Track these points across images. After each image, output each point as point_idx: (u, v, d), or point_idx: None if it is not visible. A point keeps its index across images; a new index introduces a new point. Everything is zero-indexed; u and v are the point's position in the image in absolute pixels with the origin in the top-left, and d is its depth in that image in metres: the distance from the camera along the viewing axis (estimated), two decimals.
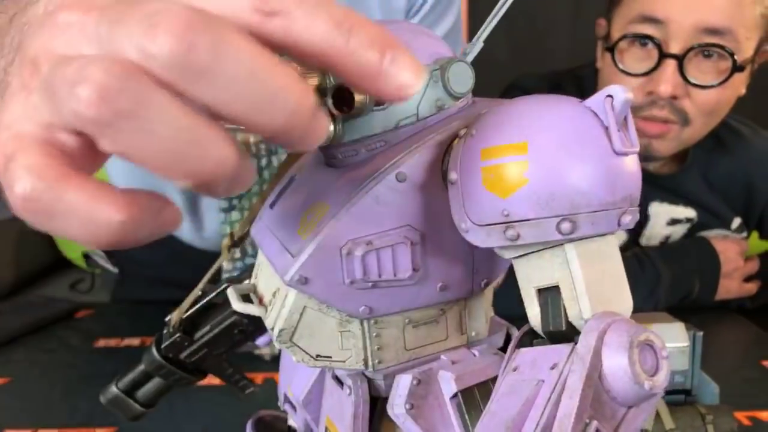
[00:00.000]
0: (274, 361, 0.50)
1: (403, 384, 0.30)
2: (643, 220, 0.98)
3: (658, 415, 0.53)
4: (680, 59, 0.79)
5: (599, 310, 0.24)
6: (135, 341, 0.89)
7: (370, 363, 0.31)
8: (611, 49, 0.85)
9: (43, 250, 1.99)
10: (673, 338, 0.55)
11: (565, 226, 0.23)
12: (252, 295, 0.35)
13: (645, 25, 0.81)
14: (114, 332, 0.91)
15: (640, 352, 0.22)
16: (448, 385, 0.30)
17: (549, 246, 0.25)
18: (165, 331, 0.46)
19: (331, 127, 0.29)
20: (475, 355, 0.32)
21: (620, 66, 0.83)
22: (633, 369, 0.22)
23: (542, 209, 0.24)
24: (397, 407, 0.30)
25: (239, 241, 0.44)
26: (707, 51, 0.79)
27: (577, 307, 0.24)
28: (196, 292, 0.45)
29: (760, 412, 0.69)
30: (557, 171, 0.23)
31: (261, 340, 0.47)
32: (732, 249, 0.94)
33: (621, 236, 0.99)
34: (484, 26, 0.31)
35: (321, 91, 0.28)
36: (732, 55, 0.78)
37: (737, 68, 0.78)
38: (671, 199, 0.97)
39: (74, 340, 0.90)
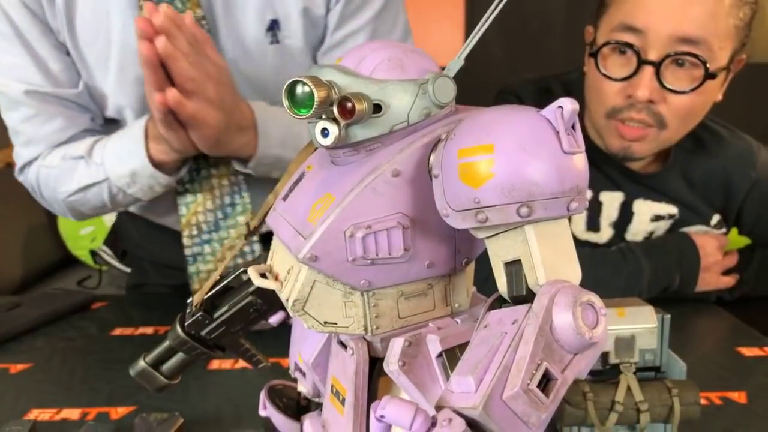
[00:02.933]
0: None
1: (396, 345, 0.36)
2: (628, 216, 1.03)
3: (629, 388, 0.59)
4: (657, 66, 0.85)
5: (552, 278, 0.30)
6: (149, 330, 0.94)
7: (369, 329, 0.37)
8: (594, 54, 0.91)
9: (50, 248, 2.04)
10: (643, 320, 0.60)
11: (523, 210, 0.29)
12: (268, 274, 0.41)
13: (626, 33, 0.87)
14: (129, 322, 0.97)
15: (583, 310, 0.28)
16: (434, 345, 0.36)
17: (512, 227, 0.31)
18: (188, 311, 0.52)
19: (337, 131, 0.35)
20: (457, 323, 0.38)
21: (602, 71, 0.89)
22: (576, 323, 0.28)
23: (505, 197, 0.30)
24: (391, 364, 0.36)
25: (254, 231, 0.50)
26: (681, 60, 0.85)
27: (534, 276, 0.30)
28: (216, 275, 0.51)
29: (730, 392, 0.75)
30: (517, 167, 0.29)
31: (273, 319, 0.53)
32: (711, 244, 1.00)
33: (608, 232, 1.05)
34: (464, 46, 0.36)
35: (327, 101, 0.34)
36: (705, 63, 0.84)
37: (709, 75, 0.84)
38: (654, 196, 1.03)
39: (92, 329, 0.95)
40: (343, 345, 0.39)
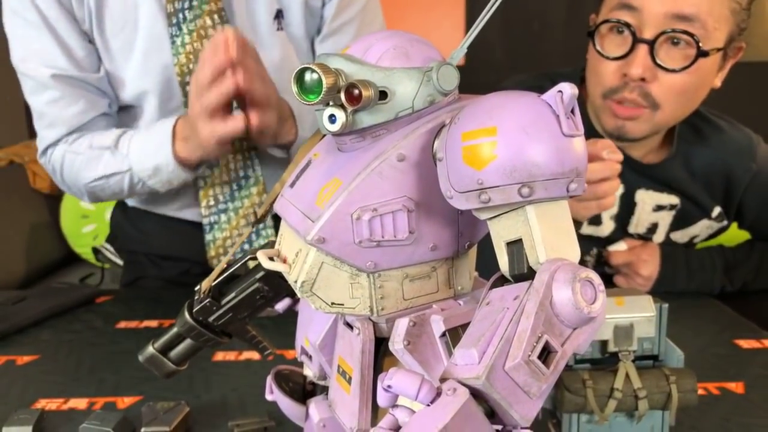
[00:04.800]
0: None
1: (401, 325, 0.37)
2: (631, 206, 1.05)
3: (627, 376, 0.60)
4: (651, 44, 0.86)
5: (552, 256, 0.31)
6: (153, 323, 0.96)
7: (375, 309, 0.38)
8: (592, 34, 0.92)
9: (53, 245, 2.05)
10: (641, 309, 0.61)
11: (525, 190, 0.30)
12: (276, 258, 0.42)
13: (623, 11, 0.88)
14: (133, 315, 0.98)
15: (582, 286, 0.29)
16: (437, 325, 0.37)
17: (513, 208, 0.32)
18: (196, 298, 0.53)
19: (344, 117, 0.36)
20: (460, 305, 0.39)
21: (598, 49, 0.91)
22: (575, 298, 0.29)
23: (507, 178, 0.31)
24: (396, 344, 0.37)
25: (262, 218, 0.51)
26: (676, 38, 0.86)
27: (535, 254, 0.31)
28: (223, 263, 0.52)
29: (728, 383, 0.76)
30: (519, 148, 0.31)
31: (279, 306, 0.54)
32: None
33: (609, 225, 1.06)
34: (467, 35, 0.38)
35: (335, 87, 0.35)
36: (697, 42, 0.85)
37: (701, 53, 0.85)
38: (656, 186, 1.04)
39: (97, 323, 0.96)
40: (350, 326, 0.40)
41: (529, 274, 0.31)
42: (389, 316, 0.39)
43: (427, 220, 0.37)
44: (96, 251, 2.01)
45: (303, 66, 0.35)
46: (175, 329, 0.55)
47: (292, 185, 0.43)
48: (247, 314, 0.54)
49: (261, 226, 0.97)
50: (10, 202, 1.95)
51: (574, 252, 0.32)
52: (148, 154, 0.91)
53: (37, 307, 0.97)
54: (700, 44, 0.85)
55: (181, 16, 0.87)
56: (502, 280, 0.34)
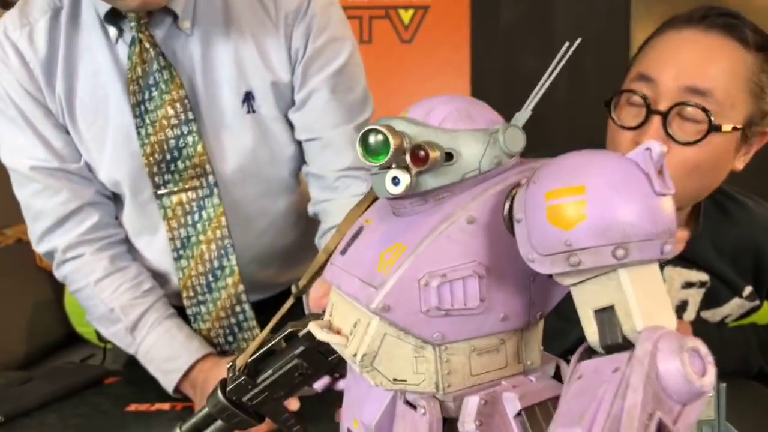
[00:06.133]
0: None
1: (471, 404, 0.34)
2: None
3: None
4: (665, 115, 0.86)
5: (649, 324, 0.28)
6: (165, 406, 0.90)
7: (440, 386, 0.35)
8: (608, 103, 0.92)
9: (55, 324, 2.01)
10: None
11: (620, 252, 0.28)
12: (326, 330, 0.39)
13: (639, 82, 0.89)
14: (144, 398, 0.93)
15: (689, 356, 0.27)
16: (512, 404, 0.34)
17: (603, 272, 0.30)
18: (229, 375, 0.50)
19: (408, 180, 0.34)
20: (532, 381, 0.36)
21: (615, 119, 0.91)
22: (685, 369, 0.26)
23: (599, 239, 0.29)
24: (467, 424, 0.34)
25: (303, 290, 0.49)
26: (689, 115, 0.85)
27: (631, 322, 0.29)
28: (262, 336, 0.49)
29: None
30: (611, 207, 0.29)
31: (318, 384, 0.50)
32: None
33: None
34: (531, 96, 0.37)
35: (401, 148, 0.34)
36: (708, 115, 0.84)
37: (713, 128, 0.85)
38: (684, 264, 1.01)
39: (105, 405, 0.91)
40: (411, 405, 0.36)
41: (625, 345, 0.29)
42: (456, 393, 0.35)
43: (498, 288, 0.35)
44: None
45: (368, 128, 0.34)
46: (205, 410, 0.51)
47: (343, 252, 0.41)
48: (283, 393, 0.50)
49: (242, 317, 0.95)
50: (15, 281, 1.92)
51: (671, 319, 0.29)
52: (155, 362, 0.91)
53: (44, 389, 0.93)
54: (712, 118, 0.86)
55: (143, 107, 0.87)
56: (590, 353, 0.31)
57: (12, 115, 0.89)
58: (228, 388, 0.49)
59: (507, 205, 0.34)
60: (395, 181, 0.35)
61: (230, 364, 0.51)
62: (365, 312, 0.36)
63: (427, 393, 0.35)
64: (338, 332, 0.38)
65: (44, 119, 0.89)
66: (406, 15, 2.47)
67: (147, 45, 0.84)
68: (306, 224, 1.03)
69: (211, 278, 0.94)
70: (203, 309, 0.95)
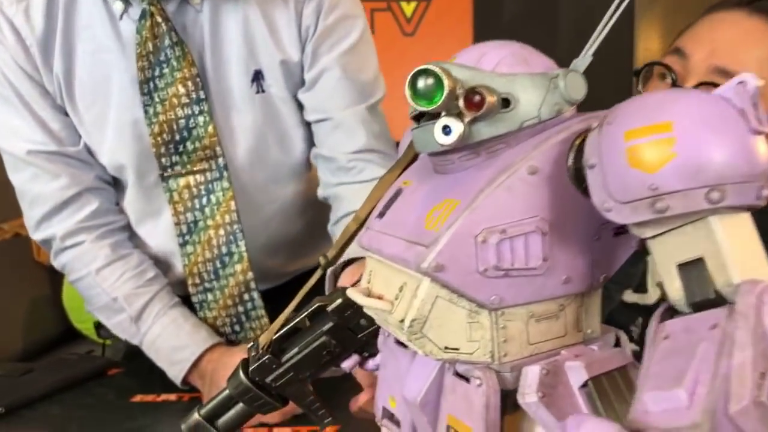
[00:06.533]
0: None
1: (532, 374, 0.31)
2: None
3: None
4: None
5: (747, 277, 0.25)
6: (172, 396, 0.87)
7: (496, 355, 0.32)
8: (638, 73, 0.89)
9: (52, 320, 1.97)
10: None
11: (714, 195, 0.25)
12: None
13: (673, 56, 0.85)
14: (149, 389, 0.90)
15: None
16: (577, 373, 0.31)
17: (690, 221, 0.27)
18: (252, 355, 0.47)
19: (461, 128, 0.31)
20: (594, 350, 0.33)
21: (639, 90, 0.87)
22: None
23: (690, 180, 0.26)
24: (528, 396, 0.30)
25: (332, 261, 0.45)
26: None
27: (726, 275, 0.26)
28: (286, 313, 0.46)
29: None
30: (703, 146, 0.26)
31: (346, 363, 0.47)
32: None
33: (655, 293, 1.00)
34: (591, 41, 0.34)
35: (456, 91, 0.31)
36: None
37: None
38: None
39: (110, 396, 0.88)
40: (462, 377, 0.33)
41: (718, 300, 0.26)
42: (513, 363, 0.32)
43: (561, 247, 0.31)
44: (98, 326, 1.92)
45: (418, 69, 0.31)
46: (225, 392, 0.48)
47: (381, 216, 0.38)
48: (309, 374, 0.47)
49: (250, 306, 0.92)
50: (12, 275, 1.89)
51: (767, 273, 0.26)
52: (162, 350, 0.87)
53: (46, 380, 0.90)
54: None
55: (152, 84, 0.83)
56: (671, 312, 0.28)
57: (7, 95, 0.85)
58: (251, 368, 0.46)
59: (572, 156, 0.31)
60: (446, 130, 0.31)
61: (251, 343, 0.48)
62: (413, 274, 0.32)
63: (482, 363, 0.32)
64: (380, 298, 0.35)
65: (41, 100, 0.85)
66: (408, 8, 2.44)
67: (159, 19, 0.80)
68: (315, 212, 1.00)
69: (218, 264, 0.90)
70: (210, 297, 0.91)
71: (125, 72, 0.84)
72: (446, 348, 0.32)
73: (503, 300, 0.31)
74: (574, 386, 0.31)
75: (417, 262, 0.31)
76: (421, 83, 0.31)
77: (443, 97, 0.30)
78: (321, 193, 0.92)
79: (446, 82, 0.30)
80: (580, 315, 0.34)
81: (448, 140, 0.31)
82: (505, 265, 0.30)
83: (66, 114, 0.87)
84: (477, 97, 0.31)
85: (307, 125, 0.91)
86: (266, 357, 0.45)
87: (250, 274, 0.90)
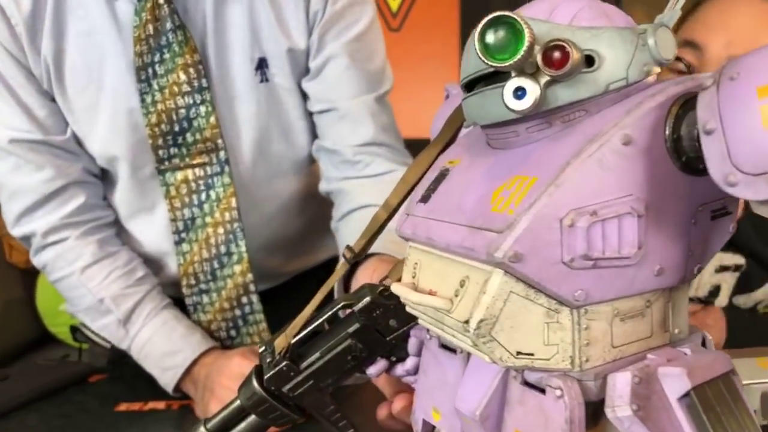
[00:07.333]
0: None
1: (622, 383, 0.26)
2: None
3: None
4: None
5: None
6: (160, 405, 0.81)
7: (577, 361, 0.27)
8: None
9: (26, 324, 1.89)
10: None
11: None
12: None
13: (685, 49, 0.82)
14: (135, 396, 0.84)
15: None
16: (678, 382, 0.26)
17: None
18: (267, 361, 0.41)
19: (538, 91, 0.26)
20: (686, 354, 0.28)
21: None
22: None
23: None
24: (620, 409, 0.26)
25: (360, 253, 0.40)
26: None
27: None
28: (305, 315, 0.41)
29: None
30: None
31: (372, 369, 0.42)
32: None
33: None
34: None
35: (534, 46, 0.26)
36: None
37: None
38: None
39: (92, 405, 0.82)
40: (534, 387, 0.28)
41: None
42: (595, 370, 0.27)
43: (656, 232, 0.27)
44: (74, 330, 1.84)
45: (489, 18, 0.26)
46: (236, 403, 0.42)
47: (424, 200, 0.33)
48: (331, 381, 0.41)
49: (248, 309, 0.86)
50: None
51: None
52: (152, 355, 0.81)
53: (22, 387, 0.83)
54: None
55: (151, 70, 0.77)
56: None
57: None
58: (266, 377, 0.40)
59: (670, 124, 0.26)
60: (519, 93, 0.26)
61: (263, 348, 0.43)
62: (479, 266, 0.27)
63: (559, 370, 0.27)
64: (432, 295, 0.30)
65: (27, 84, 0.78)
66: (394, 3, 2.39)
67: (160, 0, 0.74)
68: (316, 208, 0.94)
69: (216, 265, 0.84)
70: (205, 299, 0.86)
71: (121, 56, 0.77)
72: (518, 353, 0.27)
73: (589, 296, 0.26)
74: (671, 397, 0.26)
75: (488, 251, 0.26)
76: (490, 38, 0.26)
77: (522, 51, 0.25)
78: (324, 187, 0.86)
79: (526, 33, 0.25)
80: (667, 312, 0.29)
81: (521, 105, 0.26)
82: (595, 254, 0.25)
83: (53, 100, 0.80)
84: (557, 53, 0.26)
85: (311, 116, 0.86)
86: (284, 364, 0.40)
87: (249, 276, 0.84)
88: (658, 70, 0.28)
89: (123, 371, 0.95)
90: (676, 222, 0.27)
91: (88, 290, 0.82)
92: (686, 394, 0.26)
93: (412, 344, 0.40)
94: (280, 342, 0.40)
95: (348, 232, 0.78)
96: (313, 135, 0.87)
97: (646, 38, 0.28)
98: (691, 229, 0.28)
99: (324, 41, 0.82)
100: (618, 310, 0.28)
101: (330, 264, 1.00)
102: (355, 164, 0.82)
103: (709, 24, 0.81)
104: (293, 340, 0.40)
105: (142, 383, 0.87)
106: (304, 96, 0.85)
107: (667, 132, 0.26)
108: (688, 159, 0.26)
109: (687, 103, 0.26)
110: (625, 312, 0.28)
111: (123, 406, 0.81)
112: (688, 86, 0.27)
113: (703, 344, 0.31)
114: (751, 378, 0.51)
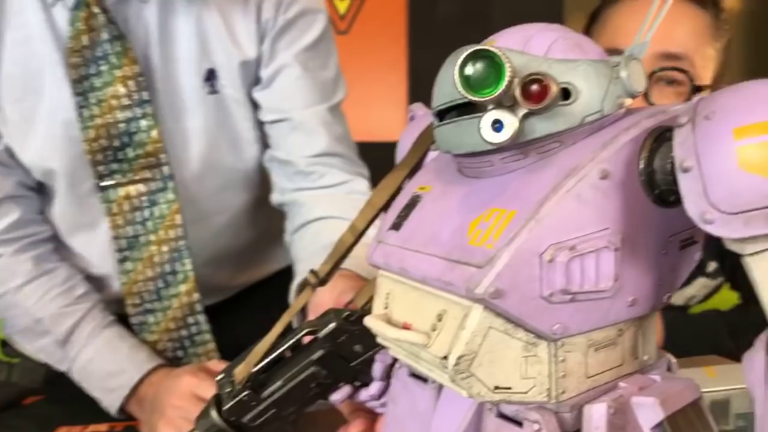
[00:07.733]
0: None
1: (598, 414, 0.26)
2: None
3: None
4: None
5: None
6: (102, 427, 0.77)
7: (553, 393, 0.27)
8: None
9: None
10: (737, 380, 0.53)
11: None
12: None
13: (612, 55, 0.85)
14: (75, 418, 0.79)
15: None
16: (651, 412, 0.26)
17: None
18: (226, 390, 0.39)
19: (516, 123, 0.26)
20: (656, 380, 0.29)
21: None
22: None
23: None
24: None
25: (325, 279, 0.39)
26: (669, 77, 0.83)
27: None
28: (267, 341, 0.39)
29: None
30: None
31: (336, 396, 0.41)
32: None
33: None
34: (647, 26, 0.30)
35: (511, 82, 0.25)
36: (690, 78, 0.83)
37: (695, 89, 0.83)
38: None
39: (29, 429, 0.77)
40: (509, 419, 0.28)
41: None
42: (571, 401, 0.27)
43: (630, 265, 0.27)
44: (4, 344, 1.74)
45: (469, 51, 0.25)
46: None
47: (396, 228, 0.32)
48: (293, 409, 0.40)
49: (195, 330, 0.83)
50: None
51: None
52: (95, 376, 0.77)
53: None
54: (693, 81, 0.84)
55: (88, 83, 0.73)
56: None
57: None
58: (225, 407, 0.39)
59: (644, 158, 0.27)
60: (496, 126, 0.26)
61: (221, 376, 0.41)
62: (457, 300, 0.27)
63: (536, 403, 0.27)
64: (405, 328, 0.29)
65: None
66: (342, 5, 2.38)
67: (96, 9, 0.70)
68: (265, 221, 0.92)
69: (161, 284, 0.81)
70: (151, 319, 0.82)
71: (59, 66, 0.73)
72: (496, 388, 0.27)
73: (567, 329, 0.26)
74: (644, 427, 0.27)
75: (468, 287, 0.26)
76: (469, 71, 0.26)
77: (503, 85, 0.25)
78: (276, 198, 0.84)
79: (507, 67, 0.25)
80: (637, 340, 0.30)
81: (499, 138, 0.26)
82: (573, 288, 0.25)
83: None
84: (536, 87, 0.26)
85: (261, 126, 0.84)
86: (245, 393, 0.38)
87: (195, 296, 0.81)
88: (630, 102, 0.28)
89: (61, 391, 0.90)
90: (648, 253, 0.27)
91: (24, 310, 0.77)
92: (659, 424, 0.26)
93: (377, 369, 0.39)
94: (241, 371, 0.39)
95: (303, 246, 0.77)
96: (263, 145, 0.85)
97: (618, 71, 0.28)
98: (663, 260, 0.28)
99: (276, 50, 0.80)
100: (592, 340, 0.28)
101: (280, 276, 0.98)
102: (309, 175, 0.81)
103: (623, 29, 0.86)
104: (253, 370, 0.39)
105: (83, 405, 0.83)
106: (255, 106, 0.83)
107: (641, 166, 0.27)
108: (661, 192, 0.27)
109: (660, 137, 0.27)
110: (599, 342, 0.28)
111: (63, 430, 0.76)
112: (660, 119, 0.27)
113: (669, 369, 0.32)
114: (701, 387, 0.54)
